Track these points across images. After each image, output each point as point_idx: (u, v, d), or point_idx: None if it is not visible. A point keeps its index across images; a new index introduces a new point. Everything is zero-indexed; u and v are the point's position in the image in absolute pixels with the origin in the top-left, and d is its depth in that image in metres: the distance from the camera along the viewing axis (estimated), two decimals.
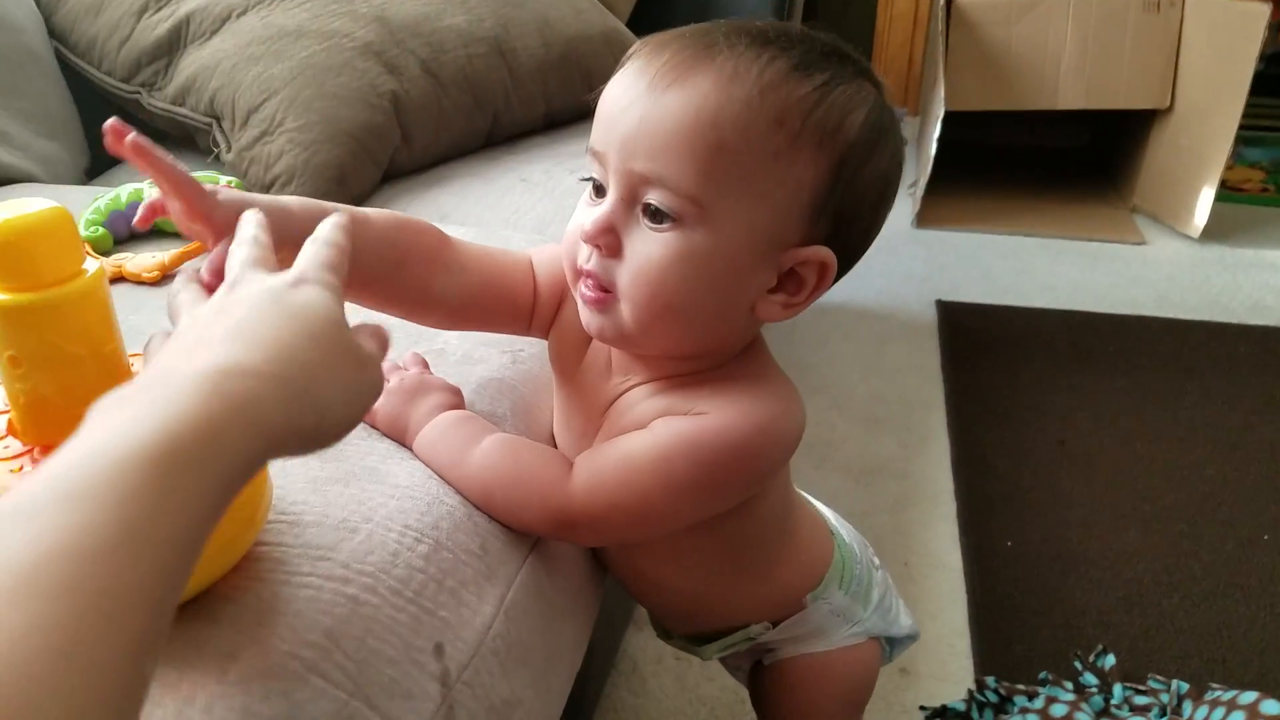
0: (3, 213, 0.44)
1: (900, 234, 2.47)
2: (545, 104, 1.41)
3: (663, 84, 0.54)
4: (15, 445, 0.48)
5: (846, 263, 0.59)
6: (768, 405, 0.60)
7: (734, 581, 0.72)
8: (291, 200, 0.58)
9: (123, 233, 0.93)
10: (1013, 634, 1.19)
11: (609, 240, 0.57)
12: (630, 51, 0.59)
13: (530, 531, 0.65)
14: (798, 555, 0.74)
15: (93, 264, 0.47)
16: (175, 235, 0.93)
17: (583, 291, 0.60)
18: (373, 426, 0.67)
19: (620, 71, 0.58)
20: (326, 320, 0.43)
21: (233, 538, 0.50)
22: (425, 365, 0.70)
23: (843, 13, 3.31)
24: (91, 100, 1.34)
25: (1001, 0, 2.46)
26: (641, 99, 0.55)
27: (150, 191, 0.93)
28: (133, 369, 0.51)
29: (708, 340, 0.61)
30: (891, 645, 0.81)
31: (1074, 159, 2.95)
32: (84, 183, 1.30)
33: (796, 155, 0.54)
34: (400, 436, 0.65)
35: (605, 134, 0.57)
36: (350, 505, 0.58)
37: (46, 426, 0.47)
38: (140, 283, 0.85)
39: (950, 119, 2.39)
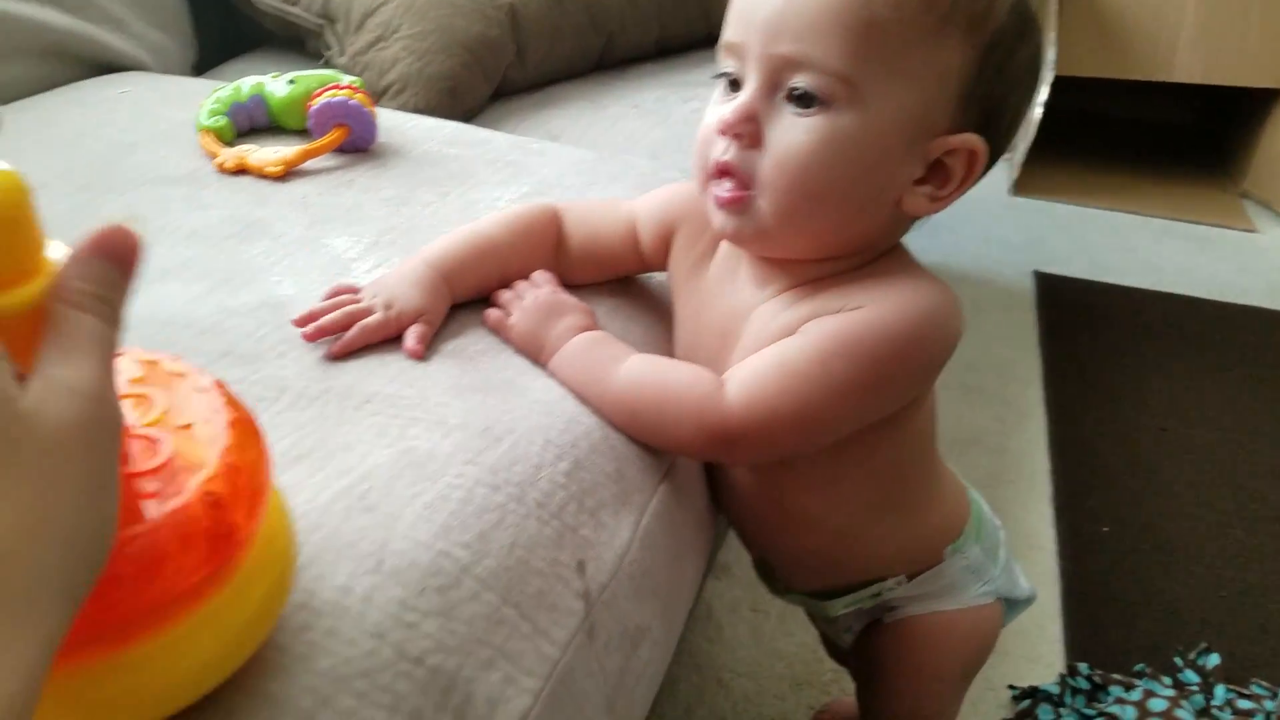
0: None
1: (997, 201, 2.39)
2: (659, 29, 1.36)
3: None
4: None
5: (992, 156, 0.57)
6: (925, 296, 0.57)
7: (879, 519, 0.68)
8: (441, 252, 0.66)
9: (243, 125, 0.90)
10: (1107, 622, 1.15)
11: (750, 129, 0.55)
12: None
13: (683, 451, 0.63)
14: (942, 502, 0.71)
15: (57, 250, 0.32)
16: (299, 133, 0.90)
17: (717, 193, 0.58)
18: (505, 340, 0.64)
19: None
20: None
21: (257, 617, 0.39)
22: (556, 282, 0.67)
23: None
24: None
25: None
26: None
27: (273, 86, 0.91)
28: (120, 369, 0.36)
29: (850, 235, 0.58)
30: (1010, 608, 0.78)
31: (1181, 136, 2.82)
32: (190, 75, 1.28)
33: (945, 38, 0.53)
34: (535, 355, 0.63)
35: (744, 22, 0.55)
36: (492, 414, 0.56)
37: None
38: (263, 176, 0.82)
39: (1060, 86, 2.29)
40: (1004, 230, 2.23)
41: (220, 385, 0.38)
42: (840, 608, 0.74)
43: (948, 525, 0.72)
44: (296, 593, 0.43)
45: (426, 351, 0.60)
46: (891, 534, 0.70)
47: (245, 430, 0.37)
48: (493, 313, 0.65)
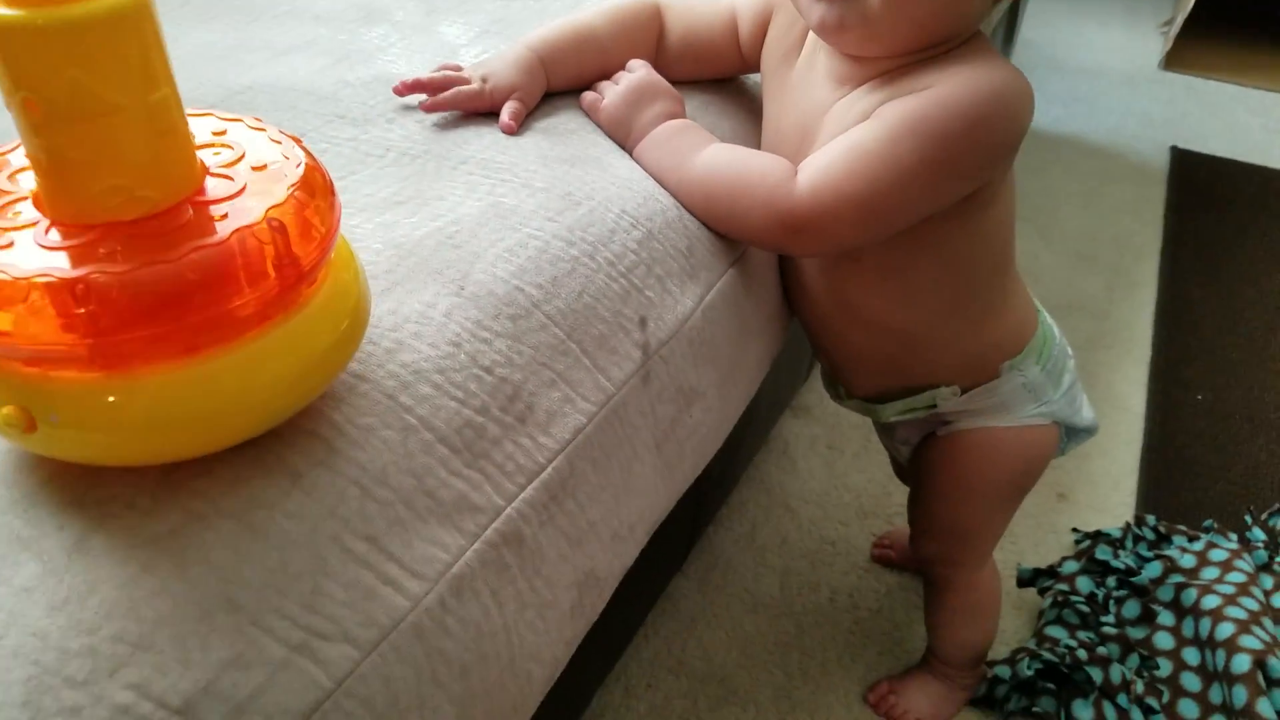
0: None
1: (1145, 73, 2.27)
2: None
3: None
4: (29, 214, 0.36)
5: None
6: (995, 76, 0.58)
7: (943, 324, 0.70)
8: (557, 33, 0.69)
9: None
10: (1183, 483, 1.15)
11: None
12: None
13: (754, 239, 0.65)
14: (1007, 314, 0.72)
15: None
16: None
17: None
18: (595, 122, 0.68)
19: None
20: None
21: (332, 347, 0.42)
22: (649, 67, 0.70)
23: None
24: None
25: None
26: None
27: None
28: (190, 128, 0.38)
29: (943, 27, 0.59)
30: (1069, 436, 0.79)
31: None
32: None
33: None
34: (623, 139, 0.66)
35: None
36: (575, 182, 0.61)
37: (70, 196, 0.35)
38: None
39: None
40: (1146, 104, 2.13)
41: (296, 139, 0.42)
42: (892, 413, 0.77)
43: (1009, 340, 0.73)
44: (386, 301, 0.49)
45: (520, 127, 0.65)
46: (954, 340, 0.71)
47: (315, 174, 0.40)
48: (588, 95, 0.68)
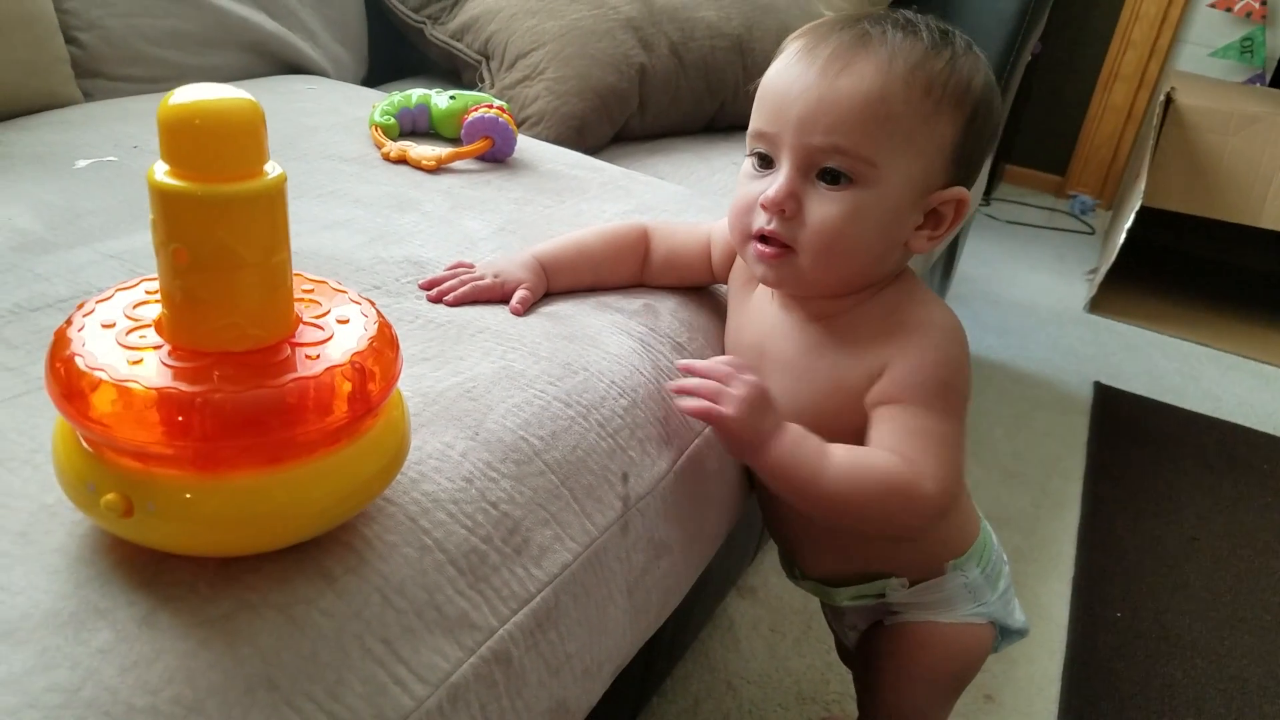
0: (199, 94, 0.40)
1: (1071, 315, 2.48)
2: None
3: (833, 70, 0.65)
4: (152, 338, 0.44)
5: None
6: (945, 316, 0.71)
7: None
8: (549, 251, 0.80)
9: (406, 127, 1.08)
10: (1103, 694, 1.22)
11: (792, 205, 0.67)
12: (786, 43, 0.70)
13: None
14: (953, 517, 0.79)
15: (275, 167, 0.43)
16: (451, 140, 1.08)
17: (760, 250, 0.69)
18: (728, 435, 0.67)
19: (783, 61, 0.69)
20: None
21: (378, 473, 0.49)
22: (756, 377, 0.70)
23: (1055, 95, 3.32)
24: (381, 20, 1.53)
25: (1222, 109, 2.44)
26: (816, 84, 0.65)
27: (438, 99, 1.08)
28: (298, 283, 0.47)
29: (868, 276, 0.71)
30: (1002, 636, 0.86)
31: (1267, 284, 2.88)
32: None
33: (941, 116, 0.66)
34: (751, 449, 0.67)
35: (778, 116, 0.67)
36: (573, 355, 0.70)
37: (193, 328, 0.43)
38: (419, 168, 1.00)
39: (1146, 218, 2.38)
40: (1072, 341, 2.32)
41: (371, 301, 0.51)
42: (845, 598, 0.84)
43: (954, 541, 0.80)
44: (413, 439, 0.57)
45: (526, 312, 0.75)
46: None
47: (386, 331, 0.49)
48: (691, 404, 0.67)
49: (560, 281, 0.80)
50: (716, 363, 0.68)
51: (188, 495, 0.42)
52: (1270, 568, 1.52)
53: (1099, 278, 2.51)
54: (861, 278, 0.71)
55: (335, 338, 0.46)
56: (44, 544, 0.46)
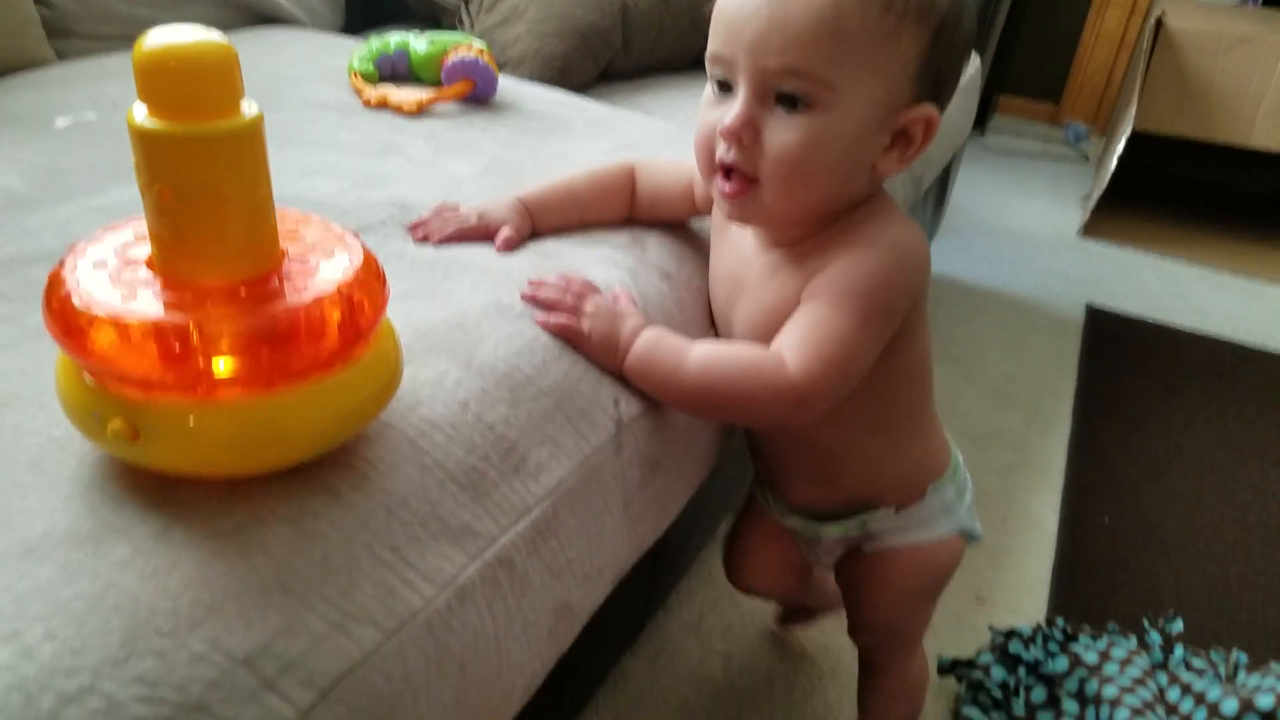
0: (171, 37, 0.42)
1: (1064, 240, 2.50)
2: None
3: None
4: (145, 274, 0.46)
5: (942, 111, 0.68)
6: (898, 233, 0.69)
7: (878, 445, 0.79)
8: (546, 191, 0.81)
9: (386, 73, 1.10)
10: (1090, 593, 1.26)
11: (749, 133, 0.65)
12: None
13: (758, 421, 0.74)
14: (929, 439, 0.82)
15: (252, 105, 0.44)
16: (432, 84, 1.09)
17: (722, 187, 0.68)
18: (587, 345, 0.69)
19: None
20: None
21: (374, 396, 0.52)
22: (632, 300, 0.75)
23: (1048, 23, 3.29)
24: None
25: (1213, 30, 2.44)
26: (766, 4, 0.62)
27: (416, 43, 1.09)
28: (282, 220, 0.49)
29: (836, 201, 0.69)
30: (968, 542, 0.88)
31: (1256, 204, 2.88)
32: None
33: (903, 33, 0.63)
34: (610, 358, 0.69)
35: (731, 39, 0.64)
36: None
37: (182, 263, 0.45)
38: (400, 112, 1.01)
39: (1138, 143, 2.39)
40: (1066, 266, 2.34)
41: (356, 234, 0.53)
42: (833, 531, 0.85)
43: (932, 463, 0.83)
44: (407, 369, 0.59)
45: (511, 252, 0.76)
46: (879, 458, 0.80)
47: (371, 263, 0.51)
48: (558, 319, 0.69)
49: (546, 223, 0.81)
50: (571, 280, 0.72)
51: (190, 420, 0.45)
52: (1251, 471, 1.56)
53: (1091, 203, 2.52)
54: (826, 204, 0.69)
55: (321, 270, 0.48)
56: (56, 473, 0.49)
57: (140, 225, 0.49)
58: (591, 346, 0.69)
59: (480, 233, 0.77)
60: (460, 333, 0.65)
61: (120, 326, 0.43)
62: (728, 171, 0.68)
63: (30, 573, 0.43)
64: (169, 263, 0.45)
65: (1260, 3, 2.97)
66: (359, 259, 0.50)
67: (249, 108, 0.44)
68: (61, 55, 1.11)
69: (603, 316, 0.69)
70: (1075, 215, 2.65)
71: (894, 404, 0.78)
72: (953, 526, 0.84)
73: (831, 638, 1.15)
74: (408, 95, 1.02)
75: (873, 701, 0.96)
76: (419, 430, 0.56)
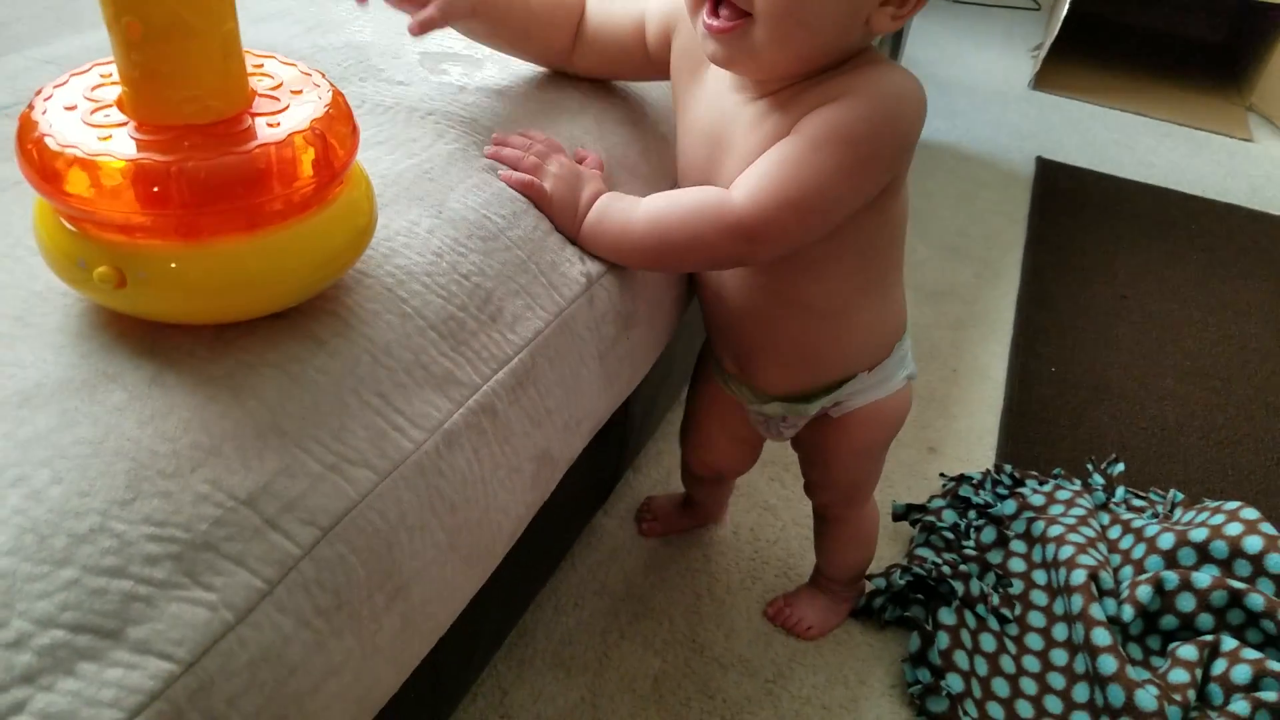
0: None
1: (1015, 92, 2.50)
2: None
3: None
4: (116, 116, 0.45)
5: None
6: (893, 80, 0.66)
7: (863, 302, 0.78)
8: None
9: None
10: (1037, 439, 1.32)
11: None
12: None
13: (715, 261, 0.71)
14: (899, 297, 0.82)
15: None
16: None
17: (710, 23, 0.65)
18: (549, 205, 0.69)
19: None
20: None
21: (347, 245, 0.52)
22: (599, 163, 0.74)
23: None
24: None
25: None
26: None
27: None
28: (247, 59, 0.48)
29: (828, 54, 0.66)
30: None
31: (1205, 52, 2.90)
32: None
33: None
34: (569, 221, 0.69)
35: None
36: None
37: (155, 103, 0.44)
38: None
39: None
40: (1016, 119, 2.34)
41: (321, 72, 0.52)
42: (816, 407, 0.84)
43: (898, 320, 0.83)
44: (379, 220, 0.59)
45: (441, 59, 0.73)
46: (870, 320, 0.80)
47: (340, 99, 0.50)
48: (520, 178, 0.68)
49: (485, 14, 0.72)
50: (535, 138, 0.70)
51: (173, 264, 0.44)
52: (1192, 318, 1.62)
53: (1042, 54, 2.51)
54: (819, 56, 0.66)
55: (292, 108, 0.48)
56: (42, 325, 0.48)
57: (105, 68, 0.48)
58: (552, 208, 0.68)
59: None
60: (428, 181, 0.64)
61: (99, 169, 0.42)
62: (716, 6, 0.64)
63: (29, 419, 0.43)
64: (140, 103, 0.44)
65: None
66: (328, 97, 0.49)
67: None
68: None
69: (564, 179, 0.68)
70: (1026, 66, 2.64)
71: (883, 260, 0.78)
72: (905, 375, 0.86)
73: (792, 489, 1.20)
74: None
75: (831, 550, 1.01)
76: (396, 279, 0.57)
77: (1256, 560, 1.01)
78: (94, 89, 0.47)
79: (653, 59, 0.78)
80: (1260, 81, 2.55)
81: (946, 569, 1.03)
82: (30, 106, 0.46)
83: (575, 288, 0.67)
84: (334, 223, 0.49)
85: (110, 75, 0.48)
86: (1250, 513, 1.06)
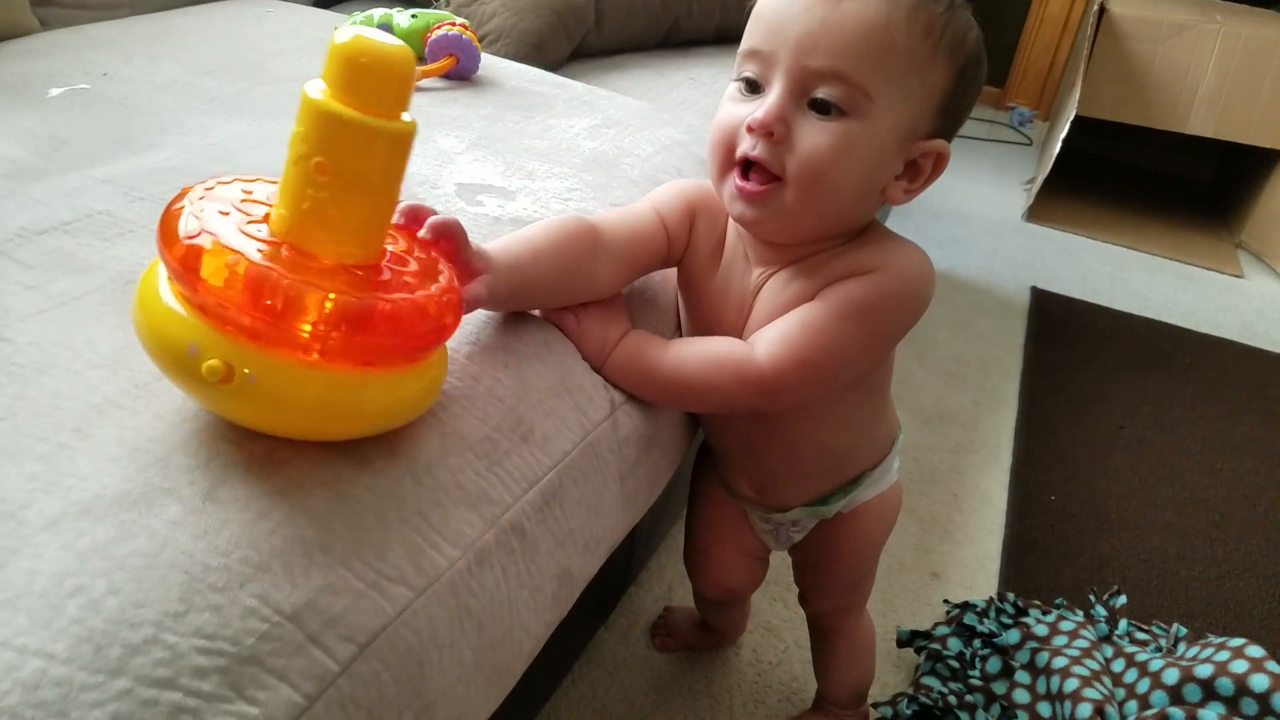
0: (368, 35, 0.46)
1: (1010, 224, 2.58)
2: (720, 19, 1.56)
3: None
4: (266, 233, 0.48)
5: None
6: (911, 259, 0.70)
7: (866, 432, 0.82)
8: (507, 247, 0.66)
9: None
10: (1039, 568, 1.33)
11: (782, 128, 0.64)
12: None
13: (732, 409, 0.74)
14: (889, 406, 0.86)
15: (409, 115, 0.49)
16: (416, 59, 1.10)
17: (741, 185, 0.67)
18: (580, 339, 0.71)
19: None
20: None
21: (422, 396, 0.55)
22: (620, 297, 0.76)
23: (994, 7, 3.37)
24: None
25: (1153, 18, 2.52)
26: (820, 4, 0.63)
27: (399, 18, 1.10)
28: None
29: (846, 221, 0.70)
30: None
31: (1193, 190, 3.00)
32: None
33: (935, 61, 0.65)
34: (598, 353, 0.71)
35: (775, 35, 0.65)
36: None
37: (313, 236, 0.48)
38: None
39: (1081, 127, 2.47)
40: (1011, 250, 2.42)
41: (439, 256, 0.57)
42: (834, 508, 0.85)
43: (895, 419, 0.87)
44: None
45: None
46: (873, 436, 0.83)
47: (453, 281, 0.54)
48: (557, 314, 0.71)
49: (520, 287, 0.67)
50: None
51: (286, 376, 0.46)
52: (1189, 450, 1.65)
53: (1036, 187, 2.60)
54: (839, 222, 0.69)
55: (420, 273, 0.52)
56: (100, 438, 0.50)
57: (250, 183, 0.53)
58: (583, 341, 0.71)
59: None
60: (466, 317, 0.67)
61: (252, 270, 0.44)
62: (746, 170, 0.67)
63: (89, 531, 0.45)
64: (299, 232, 0.48)
65: None
66: (447, 271, 0.54)
67: (408, 115, 0.49)
68: (45, 24, 1.11)
69: (596, 316, 0.72)
70: (1019, 198, 2.73)
71: (883, 395, 0.83)
72: (897, 468, 0.89)
73: (795, 610, 1.20)
74: None
75: (831, 666, 1.01)
76: (439, 402, 0.59)
77: (1263, 699, 1.01)
78: (241, 202, 0.51)
79: (673, 249, 0.77)
80: (1249, 219, 2.64)
81: (953, 699, 1.03)
82: (180, 201, 0.48)
83: (601, 411, 0.70)
84: (430, 368, 0.53)
85: (253, 193, 0.52)
86: (1255, 650, 1.06)
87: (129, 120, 0.89)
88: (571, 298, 0.72)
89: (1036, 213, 2.61)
